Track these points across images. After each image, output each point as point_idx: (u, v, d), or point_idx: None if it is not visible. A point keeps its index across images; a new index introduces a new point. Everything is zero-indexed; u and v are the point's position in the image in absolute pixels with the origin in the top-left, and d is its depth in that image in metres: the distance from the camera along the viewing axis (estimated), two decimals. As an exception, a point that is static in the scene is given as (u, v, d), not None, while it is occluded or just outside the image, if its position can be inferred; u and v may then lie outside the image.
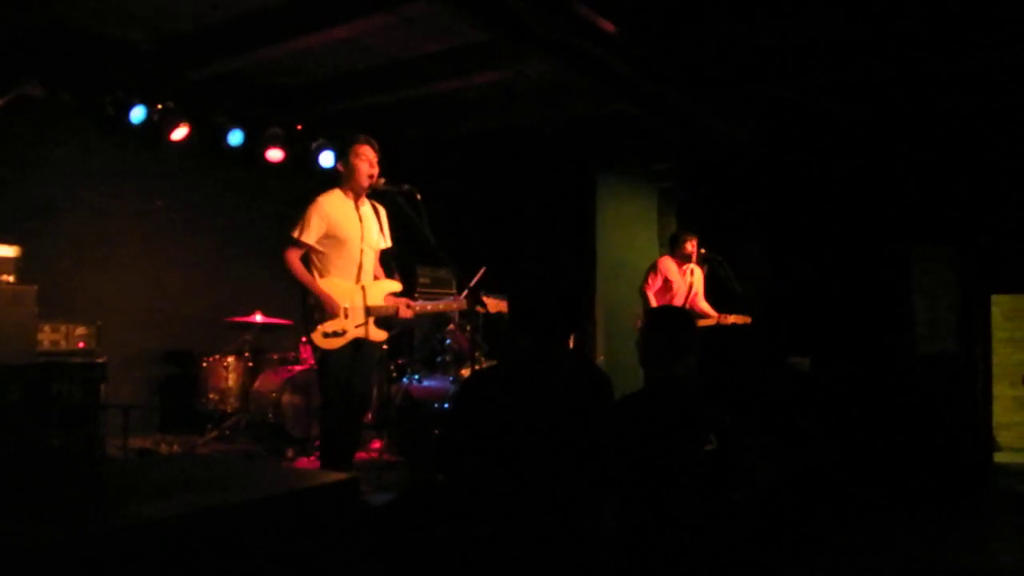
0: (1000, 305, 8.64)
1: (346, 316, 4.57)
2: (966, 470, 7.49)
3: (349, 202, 4.68)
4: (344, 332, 4.57)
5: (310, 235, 4.55)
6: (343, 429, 4.64)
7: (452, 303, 5.19)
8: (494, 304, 4.78)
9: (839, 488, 6.42)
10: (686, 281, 7.36)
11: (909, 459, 7.43)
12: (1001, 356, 8.47)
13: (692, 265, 7.44)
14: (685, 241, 7.35)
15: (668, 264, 7.31)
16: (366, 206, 4.75)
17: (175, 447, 6.56)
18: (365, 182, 4.64)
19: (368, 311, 4.65)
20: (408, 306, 4.79)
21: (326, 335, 4.53)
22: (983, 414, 7.92)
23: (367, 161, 4.65)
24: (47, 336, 5.60)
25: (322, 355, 4.57)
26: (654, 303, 7.12)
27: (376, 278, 4.83)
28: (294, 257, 4.58)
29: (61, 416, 5.51)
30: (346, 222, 4.63)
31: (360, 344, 4.64)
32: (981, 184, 7.78)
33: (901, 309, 8.10)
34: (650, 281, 7.24)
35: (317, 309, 4.54)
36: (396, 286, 4.85)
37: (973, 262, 7.90)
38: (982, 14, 5.97)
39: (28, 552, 1.89)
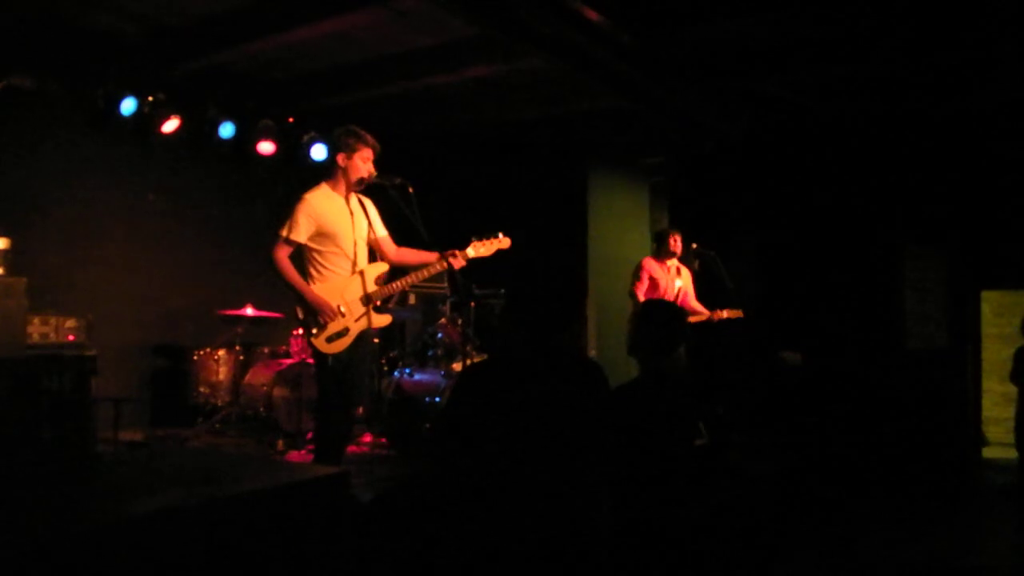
0: (990, 301, 8.69)
1: (343, 314, 4.53)
2: (955, 465, 7.54)
3: (338, 197, 4.62)
4: (347, 331, 4.52)
5: (299, 233, 4.48)
6: (339, 426, 4.61)
7: (434, 267, 4.79)
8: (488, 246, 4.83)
9: (830, 483, 6.45)
10: (672, 278, 7.34)
11: (899, 453, 7.46)
12: (990, 352, 8.51)
13: (677, 263, 7.42)
14: (669, 237, 7.34)
15: (650, 264, 7.30)
16: (352, 198, 4.71)
17: (166, 441, 6.55)
18: (357, 180, 4.61)
19: (367, 299, 4.61)
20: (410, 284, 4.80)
21: (329, 339, 4.48)
22: (972, 409, 7.97)
23: (363, 159, 4.60)
24: (36, 329, 5.55)
25: (332, 359, 4.50)
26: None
27: None
28: (283, 255, 4.49)
29: (51, 410, 5.47)
30: (337, 217, 4.57)
31: (360, 337, 4.60)
32: (971, 181, 7.81)
33: (892, 305, 8.13)
34: (637, 283, 7.24)
35: (311, 317, 4.48)
36: (383, 267, 4.78)
37: (963, 258, 7.94)
38: (972, 12, 5.99)
39: (20, 546, 1.88)
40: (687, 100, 7.57)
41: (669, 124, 8.10)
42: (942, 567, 4.68)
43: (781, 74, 7.28)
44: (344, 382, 4.52)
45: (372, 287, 4.66)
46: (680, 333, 3.48)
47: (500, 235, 4.90)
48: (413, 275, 4.77)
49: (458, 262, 4.69)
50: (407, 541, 3.26)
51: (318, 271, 4.57)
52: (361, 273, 4.65)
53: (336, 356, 4.50)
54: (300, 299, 4.50)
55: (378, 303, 4.69)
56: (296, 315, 4.56)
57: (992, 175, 7.74)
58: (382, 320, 4.73)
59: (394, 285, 4.73)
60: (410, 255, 4.84)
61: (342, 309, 4.53)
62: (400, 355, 7.10)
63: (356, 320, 4.57)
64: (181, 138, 7.42)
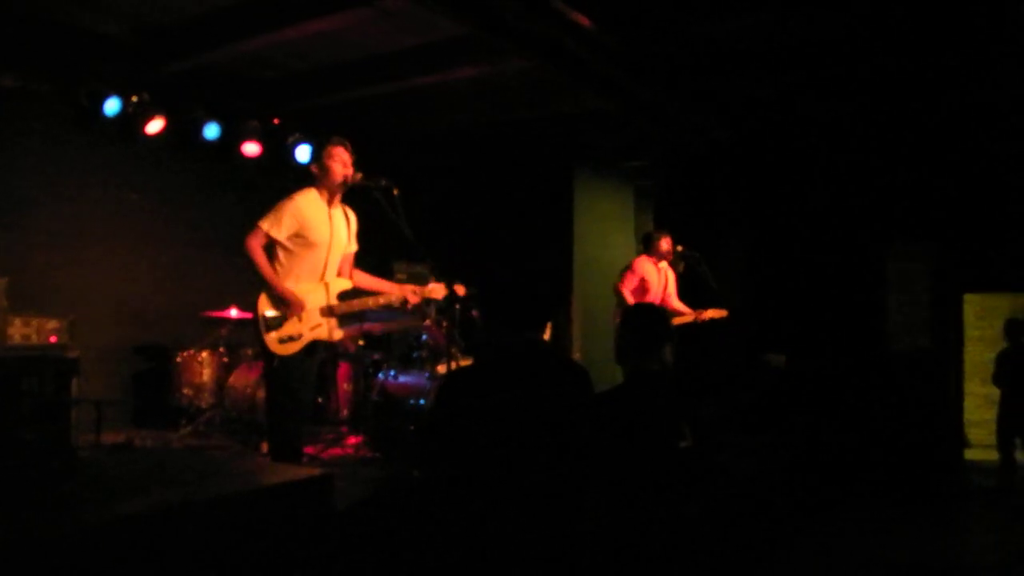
0: (972, 304, 8.74)
1: (300, 319, 4.49)
2: (937, 466, 7.58)
3: (323, 204, 4.60)
4: (300, 336, 4.48)
5: (280, 231, 4.46)
6: (297, 433, 4.55)
7: (391, 299, 4.83)
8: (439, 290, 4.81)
9: (813, 484, 6.48)
10: (661, 281, 7.37)
11: (881, 455, 7.50)
12: (972, 354, 8.57)
13: (664, 264, 7.45)
14: (659, 239, 7.35)
15: (645, 264, 7.30)
16: (338, 208, 4.70)
17: (149, 442, 6.51)
18: (340, 182, 4.59)
19: (330, 310, 4.60)
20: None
21: (281, 340, 4.45)
22: (954, 411, 8.01)
23: (341, 162, 4.57)
24: (18, 330, 5.52)
25: (278, 361, 4.48)
26: (631, 301, 7.11)
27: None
28: (257, 245, 4.46)
29: (32, 411, 5.44)
30: (318, 225, 4.55)
31: (313, 348, 4.56)
32: (955, 184, 7.86)
33: (875, 307, 8.17)
34: (626, 280, 7.22)
35: (270, 314, 4.46)
36: (347, 284, 4.78)
37: (946, 261, 7.98)
38: (958, 15, 6.03)
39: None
40: (673, 103, 7.58)
41: (655, 127, 8.12)
42: (924, 568, 4.71)
43: (766, 77, 7.31)
44: (292, 386, 4.48)
45: (333, 300, 4.64)
46: (661, 334, 3.50)
47: (456, 284, 4.92)
48: (372, 299, 4.79)
49: (414, 299, 4.74)
50: (392, 544, 3.25)
51: (284, 271, 4.53)
52: (326, 284, 4.64)
53: (283, 359, 4.47)
54: (268, 290, 4.48)
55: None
56: (256, 307, 4.51)
57: (977, 177, 7.79)
58: (338, 334, 4.70)
59: (353, 303, 4.73)
60: (364, 280, 4.87)
61: (301, 314, 4.50)
62: (385, 357, 7.08)
63: (311, 329, 4.53)
64: (166, 138, 7.39)
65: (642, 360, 3.43)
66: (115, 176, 7.41)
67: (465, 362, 6.01)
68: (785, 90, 7.70)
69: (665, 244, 7.33)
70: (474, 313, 5.56)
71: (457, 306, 5.48)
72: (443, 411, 2.82)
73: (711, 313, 7.31)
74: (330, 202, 4.63)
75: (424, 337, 6.81)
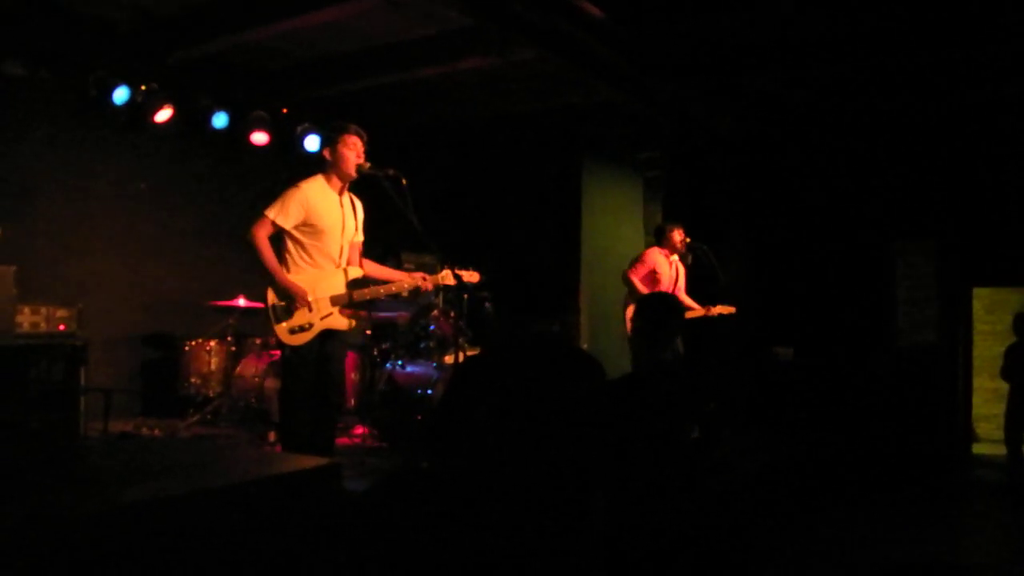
0: (981, 298, 8.71)
1: (310, 309, 4.47)
2: (945, 461, 7.56)
3: (333, 192, 4.58)
4: (311, 326, 4.47)
5: (286, 220, 4.43)
6: (306, 424, 4.52)
7: (403, 286, 4.76)
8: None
9: (819, 478, 6.47)
10: (672, 274, 7.34)
11: (889, 449, 7.49)
12: (981, 348, 8.54)
13: (676, 258, 7.42)
14: (672, 231, 7.32)
15: (656, 256, 7.27)
16: (347, 196, 4.67)
17: (156, 431, 6.53)
18: (352, 172, 4.57)
19: (338, 299, 4.57)
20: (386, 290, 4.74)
21: (292, 331, 4.44)
22: (963, 406, 7.99)
23: (355, 151, 4.55)
24: (27, 318, 5.54)
25: (289, 351, 4.48)
26: (641, 289, 7.08)
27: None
28: (263, 235, 4.42)
29: (40, 399, 5.46)
30: (328, 212, 4.52)
31: (328, 335, 4.55)
32: (962, 178, 7.82)
33: (883, 301, 8.14)
34: (635, 268, 7.20)
35: (279, 305, 4.44)
36: (358, 272, 4.74)
37: (954, 255, 7.95)
38: (961, 11, 5.99)
39: (5, 535, 1.87)
40: (682, 95, 7.55)
41: (664, 119, 8.09)
42: (932, 563, 4.70)
43: (775, 70, 7.27)
44: (303, 377, 4.47)
45: (344, 289, 4.61)
46: (676, 324, 3.51)
47: (470, 269, 4.79)
48: (383, 288, 4.73)
49: (426, 286, 4.69)
50: (399, 534, 3.25)
51: (294, 261, 4.52)
52: (344, 272, 4.63)
53: (295, 349, 4.46)
54: (272, 282, 4.47)
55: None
56: (265, 299, 4.50)
57: (984, 172, 7.76)
58: (349, 322, 4.64)
59: (365, 292, 4.68)
60: (374, 268, 4.83)
61: (310, 304, 4.48)
62: (392, 347, 7.08)
63: (321, 318, 4.50)
64: (174, 128, 7.38)
65: (657, 350, 3.42)
66: (124, 165, 7.41)
67: (473, 352, 6.01)
68: (793, 85, 7.67)
69: (678, 236, 7.30)
70: (487, 305, 5.53)
71: (465, 296, 5.46)
72: (455, 399, 2.82)
73: (720, 309, 7.29)
74: (340, 190, 4.62)
75: (431, 327, 6.80)
